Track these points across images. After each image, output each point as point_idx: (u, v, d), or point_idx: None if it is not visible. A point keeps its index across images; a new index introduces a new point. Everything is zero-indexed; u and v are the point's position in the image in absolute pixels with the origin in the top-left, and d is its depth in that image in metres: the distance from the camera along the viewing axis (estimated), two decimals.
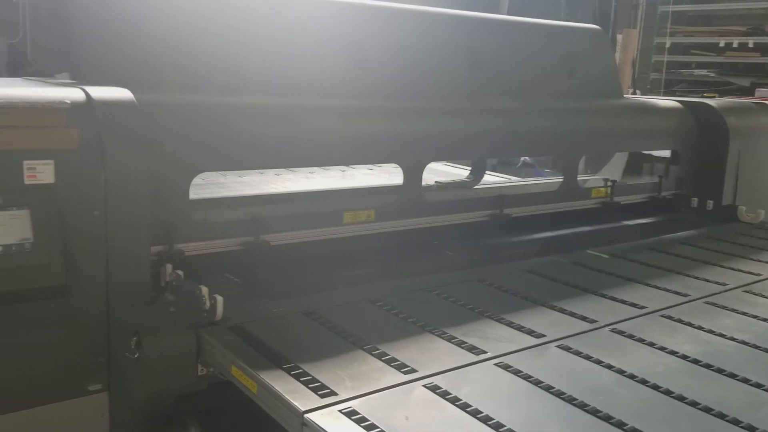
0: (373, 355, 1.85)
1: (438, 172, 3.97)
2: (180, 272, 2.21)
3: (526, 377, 1.78)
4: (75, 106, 2.03)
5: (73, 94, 2.06)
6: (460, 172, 4.14)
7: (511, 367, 1.83)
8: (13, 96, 1.94)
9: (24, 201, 1.90)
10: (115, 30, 2.52)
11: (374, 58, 3.08)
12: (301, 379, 1.69)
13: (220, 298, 1.99)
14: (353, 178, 3.96)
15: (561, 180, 3.41)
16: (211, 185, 3.35)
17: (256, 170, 3.74)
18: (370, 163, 3.67)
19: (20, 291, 1.87)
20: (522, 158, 6.10)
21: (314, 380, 1.69)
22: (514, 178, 4.19)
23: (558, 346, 1.99)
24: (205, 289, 2.04)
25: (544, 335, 2.04)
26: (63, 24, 2.57)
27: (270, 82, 2.77)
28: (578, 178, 3.47)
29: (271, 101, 2.61)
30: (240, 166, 2.85)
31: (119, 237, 2.06)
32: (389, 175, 3.85)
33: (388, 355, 1.85)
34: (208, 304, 2.02)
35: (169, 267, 2.25)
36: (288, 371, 1.73)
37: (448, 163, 4.30)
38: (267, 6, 2.87)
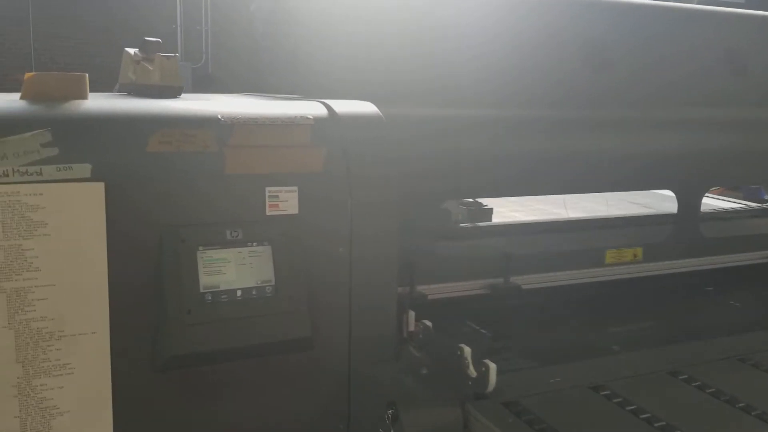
0: None
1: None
2: (428, 323, 1.82)
3: None
4: (318, 122, 1.70)
5: (313, 108, 1.74)
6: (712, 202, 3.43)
7: None
8: (251, 112, 1.64)
9: (265, 235, 1.59)
10: (335, 43, 2.19)
11: (617, 61, 2.56)
12: None
13: (492, 366, 1.56)
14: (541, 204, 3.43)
15: None
16: None
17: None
18: (638, 189, 3.13)
19: (260, 345, 1.55)
20: None
21: None
22: None
23: None
24: (468, 350, 1.63)
25: None
26: (282, 40, 2.31)
27: (507, 92, 2.33)
28: None
29: (517, 113, 2.18)
30: (494, 192, 2.42)
31: (365, 278, 1.70)
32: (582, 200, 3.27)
33: None
34: (473, 370, 1.61)
35: (411, 314, 1.86)
36: None
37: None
38: (496, 10, 2.45)
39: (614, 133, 2.23)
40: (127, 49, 2.05)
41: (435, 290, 2.00)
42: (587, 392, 1.64)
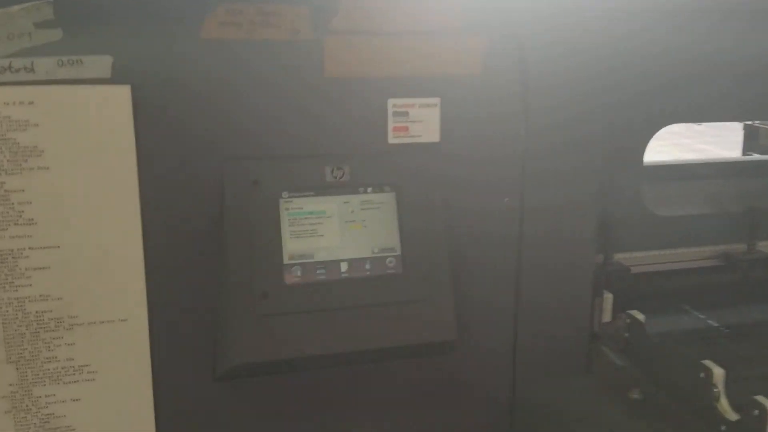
0: None
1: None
2: (639, 315, 1.17)
3: None
4: None
5: None
6: None
7: None
8: None
9: (387, 177, 1.00)
10: None
11: None
12: None
13: None
14: None
15: None
16: None
17: None
18: None
19: (374, 351, 0.99)
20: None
21: None
22: None
23: None
24: (719, 373, 0.98)
25: None
26: None
27: None
28: None
29: None
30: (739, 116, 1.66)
31: (542, 242, 1.09)
32: None
33: None
34: (729, 409, 0.96)
35: (608, 298, 1.23)
36: None
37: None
38: None
39: None
40: None
41: (640, 260, 1.35)
42: None
